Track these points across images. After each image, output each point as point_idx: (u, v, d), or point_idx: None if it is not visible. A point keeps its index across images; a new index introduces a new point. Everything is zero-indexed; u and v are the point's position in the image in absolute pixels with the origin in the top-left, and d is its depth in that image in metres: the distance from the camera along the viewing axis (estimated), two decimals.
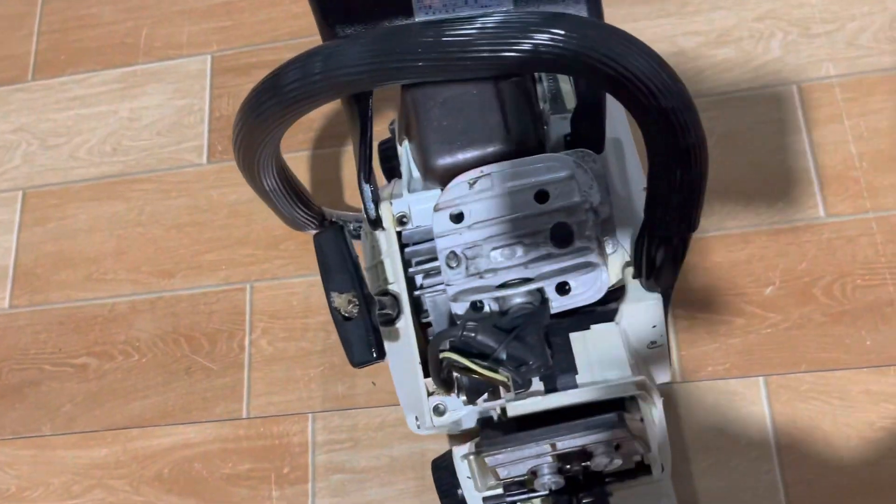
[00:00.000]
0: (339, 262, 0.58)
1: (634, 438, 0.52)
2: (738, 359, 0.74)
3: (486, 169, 0.56)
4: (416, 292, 0.62)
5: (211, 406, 0.83)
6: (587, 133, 0.59)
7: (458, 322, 0.54)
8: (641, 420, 0.58)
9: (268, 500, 0.78)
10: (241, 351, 0.84)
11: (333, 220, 0.80)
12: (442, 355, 0.54)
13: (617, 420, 0.49)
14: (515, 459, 0.52)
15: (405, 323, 0.62)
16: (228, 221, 0.90)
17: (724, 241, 0.78)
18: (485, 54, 0.51)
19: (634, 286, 0.57)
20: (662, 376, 0.61)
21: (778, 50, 0.83)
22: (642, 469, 0.59)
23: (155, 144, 0.95)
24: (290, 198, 0.71)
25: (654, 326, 0.58)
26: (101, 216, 0.93)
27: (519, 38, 0.49)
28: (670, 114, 0.47)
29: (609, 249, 0.58)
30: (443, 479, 0.63)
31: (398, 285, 0.62)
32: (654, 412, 0.59)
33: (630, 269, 0.57)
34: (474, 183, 0.56)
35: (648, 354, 0.60)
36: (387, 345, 0.63)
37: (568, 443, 0.51)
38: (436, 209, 0.57)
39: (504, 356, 0.51)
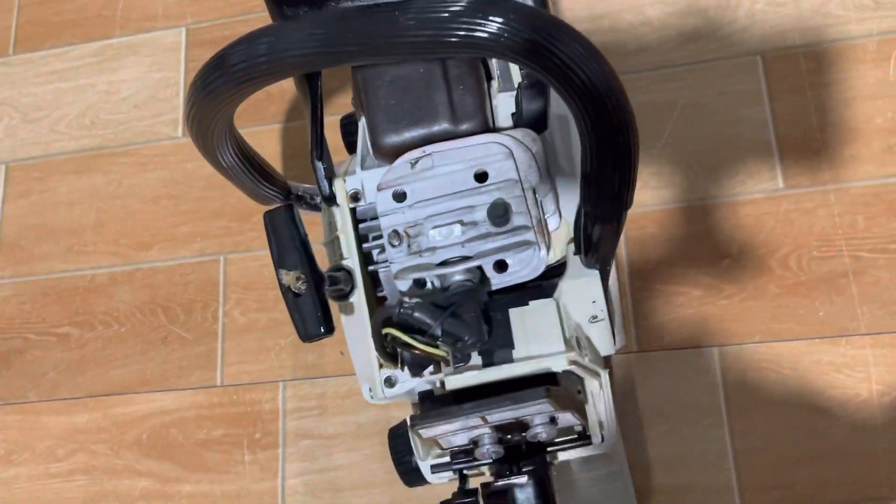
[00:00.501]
0: (287, 239, 0.60)
1: (566, 411, 0.54)
2: (693, 329, 0.75)
3: (428, 149, 0.58)
4: (372, 267, 0.64)
5: (186, 374, 0.86)
6: (531, 111, 0.60)
7: (400, 299, 0.56)
8: (579, 392, 0.60)
9: (240, 464, 0.81)
10: (214, 321, 0.87)
11: (299, 193, 0.81)
12: (384, 331, 0.56)
13: (543, 394, 0.51)
14: (448, 432, 0.54)
15: (358, 297, 0.64)
16: (203, 194, 0.92)
17: (684, 212, 0.79)
18: (422, 39, 0.52)
19: (575, 262, 0.59)
20: (606, 349, 0.63)
21: (744, 19, 0.83)
22: (587, 438, 0.61)
23: (132, 118, 0.96)
24: (251, 173, 0.72)
25: (594, 302, 0.59)
26: (82, 189, 0.95)
27: (453, 23, 0.50)
28: (598, 98, 0.48)
29: (552, 226, 0.59)
30: (398, 447, 0.65)
31: (352, 261, 0.64)
32: (594, 384, 0.61)
33: (572, 246, 0.59)
34: (416, 163, 0.58)
35: (591, 328, 0.61)
36: (343, 318, 0.66)
37: (497, 416, 0.53)
38: (379, 188, 0.58)
39: (439, 332, 0.53)
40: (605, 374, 0.64)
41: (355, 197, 0.63)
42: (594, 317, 0.60)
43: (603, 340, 0.62)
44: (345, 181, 0.64)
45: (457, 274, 0.56)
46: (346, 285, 0.64)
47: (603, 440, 0.61)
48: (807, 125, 0.78)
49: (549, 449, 0.61)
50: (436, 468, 0.62)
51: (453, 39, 0.50)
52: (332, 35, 0.53)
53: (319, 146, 0.64)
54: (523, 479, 0.58)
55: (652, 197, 0.79)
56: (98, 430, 0.86)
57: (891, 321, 0.72)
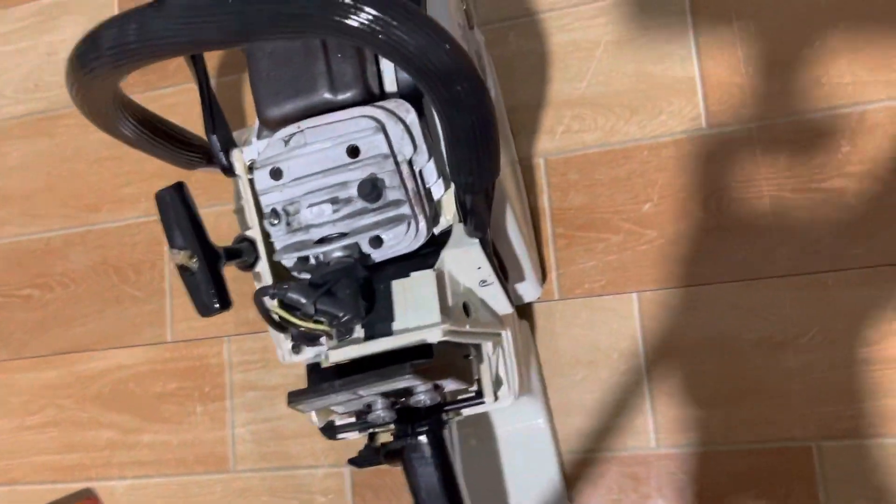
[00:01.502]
0: (178, 219, 0.61)
1: (440, 380, 0.56)
2: (613, 275, 0.75)
3: (302, 124, 0.57)
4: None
5: (139, 331, 0.89)
6: (407, 79, 0.59)
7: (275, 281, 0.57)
8: (468, 356, 0.61)
9: (193, 414, 0.86)
10: (162, 279, 0.89)
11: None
12: (270, 309, 0.57)
13: (408, 370, 0.52)
14: (326, 406, 0.56)
15: (262, 267, 0.65)
16: (143, 154, 0.92)
17: (605, 157, 0.77)
18: (268, 24, 0.50)
19: (459, 230, 0.59)
20: (503, 308, 0.64)
21: None
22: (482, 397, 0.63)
23: None
24: (159, 142, 0.72)
25: (479, 268, 0.59)
26: (31, 153, 0.97)
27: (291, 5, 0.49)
28: (443, 82, 0.47)
29: (437, 193, 0.59)
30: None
31: (254, 231, 0.65)
32: (489, 346, 0.62)
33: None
34: (289, 139, 0.58)
35: (483, 292, 0.62)
36: (256, 286, 0.67)
37: (368, 391, 0.54)
38: (255, 167, 0.59)
39: (313, 311, 0.55)
40: (506, 333, 0.65)
41: (252, 167, 0.64)
42: (483, 281, 0.61)
43: (497, 302, 0.63)
44: (242, 152, 0.64)
45: (336, 251, 0.57)
46: (249, 256, 0.65)
47: (497, 399, 0.62)
48: (733, 59, 0.75)
49: (446, 408, 0.63)
50: (342, 428, 0.65)
51: (289, 26, 0.49)
52: (191, 24, 0.52)
53: (212, 119, 0.65)
54: (416, 439, 0.60)
55: (573, 142, 0.78)
56: (64, 386, 0.91)
57: (808, 262, 0.71)
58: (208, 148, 0.80)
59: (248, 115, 0.90)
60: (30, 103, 0.98)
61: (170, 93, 0.92)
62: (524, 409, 0.75)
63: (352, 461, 0.65)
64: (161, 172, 0.92)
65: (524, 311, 0.77)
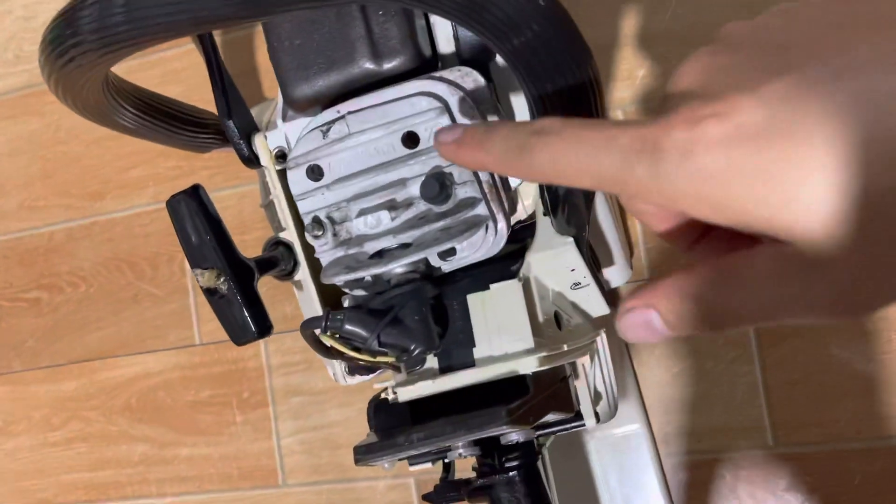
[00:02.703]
0: (196, 231, 0.49)
1: (540, 417, 0.45)
2: None
3: (341, 108, 0.45)
4: None
5: (163, 334, 0.79)
6: (469, 40, 0.46)
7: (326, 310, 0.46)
8: (563, 379, 0.50)
9: (233, 424, 0.77)
10: (182, 274, 0.79)
11: None
12: (322, 340, 0.47)
13: (503, 418, 0.41)
14: (400, 458, 0.46)
15: (303, 275, 0.54)
16: None
17: None
18: None
19: (545, 226, 0.47)
20: (599, 310, 0.52)
21: None
22: (580, 419, 0.53)
23: None
24: (166, 128, 0.61)
25: (573, 270, 0.48)
26: (21, 136, 0.85)
27: None
28: (522, 38, 0.35)
29: (515, 181, 0.47)
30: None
31: (289, 233, 0.54)
32: (585, 358, 0.51)
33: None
34: (328, 130, 0.45)
35: (575, 295, 0.50)
36: (296, 293, 0.57)
37: (453, 441, 0.44)
38: (288, 168, 0.47)
39: (376, 346, 0.44)
40: (600, 338, 0.54)
41: (281, 155, 0.52)
42: (577, 283, 0.50)
43: (592, 303, 0.52)
44: (266, 138, 0.52)
45: (397, 267, 0.46)
46: (286, 263, 0.54)
47: (599, 420, 0.52)
48: None
49: (539, 433, 0.53)
50: (413, 459, 0.55)
51: None
52: None
53: (226, 102, 0.52)
54: (507, 475, 0.50)
55: (657, 89, 0.65)
56: (87, 397, 0.82)
57: None
58: (220, 128, 0.68)
59: (262, 78, 0.78)
60: (11, 78, 0.86)
61: (172, 56, 0.79)
62: (617, 420, 0.64)
63: (427, 497, 0.55)
64: (168, 151, 0.80)
65: (609, 295, 0.66)
